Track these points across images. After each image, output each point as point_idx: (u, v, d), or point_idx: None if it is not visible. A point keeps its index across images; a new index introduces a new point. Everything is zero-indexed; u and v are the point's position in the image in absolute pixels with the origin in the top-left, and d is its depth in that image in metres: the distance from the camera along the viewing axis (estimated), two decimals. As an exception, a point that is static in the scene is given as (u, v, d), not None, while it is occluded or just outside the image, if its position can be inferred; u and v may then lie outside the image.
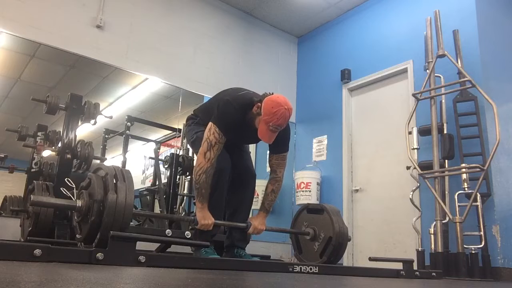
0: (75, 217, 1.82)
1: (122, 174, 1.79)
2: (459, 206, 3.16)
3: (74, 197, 1.87)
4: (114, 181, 1.76)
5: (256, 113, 2.22)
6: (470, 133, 3.41)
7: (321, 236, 2.57)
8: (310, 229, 2.63)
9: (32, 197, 1.74)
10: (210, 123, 2.27)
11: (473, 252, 3.03)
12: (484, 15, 3.75)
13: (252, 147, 2.96)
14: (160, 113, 5.19)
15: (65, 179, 2.04)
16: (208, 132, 2.25)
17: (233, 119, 2.26)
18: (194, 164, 2.31)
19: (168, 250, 2.86)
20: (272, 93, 2.26)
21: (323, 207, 2.63)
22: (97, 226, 1.68)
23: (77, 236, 1.82)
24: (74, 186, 1.93)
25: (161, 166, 4.08)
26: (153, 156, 4.13)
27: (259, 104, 2.22)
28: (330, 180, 4.70)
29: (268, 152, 2.48)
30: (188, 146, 4.33)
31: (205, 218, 2.17)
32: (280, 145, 2.40)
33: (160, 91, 4.87)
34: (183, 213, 4.20)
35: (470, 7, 3.73)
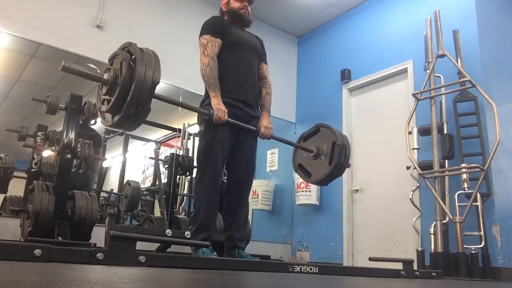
0: (101, 91, 1.88)
1: (152, 55, 1.88)
2: (459, 206, 3.16)
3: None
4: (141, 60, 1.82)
5: (226, 3, 2.68)
6: (470, 133, 3.41)
7: (324, 148, 2.54)
8: (313, 147, 2.59)
9: (63, 62, 1.72)
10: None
11: (473, 252, 3.03)
12: (484, 15, 3.75)
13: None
14: (160, 113, 5.19)
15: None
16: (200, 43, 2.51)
17: (215, 21, 2.59)
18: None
19: (168, 250, 2.86)
20: None
21: (317, 126, 2.62)
22: (124, 97, 1.76)
23: (102, 108, 1.87)
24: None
25: (161, 166, 4.07)
26: (153, 156, 4.12)
27: (222, 1, 2.65)
28: (330, 180, 4.69)
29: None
30: (189, 146, 4.34)
31: (219, 103, 2.31)
32: (264, 53, 2.93)
33: (160, 91, 4.86)
34: (183, 213, 4.19)
35: (470, 7, 3.74)
